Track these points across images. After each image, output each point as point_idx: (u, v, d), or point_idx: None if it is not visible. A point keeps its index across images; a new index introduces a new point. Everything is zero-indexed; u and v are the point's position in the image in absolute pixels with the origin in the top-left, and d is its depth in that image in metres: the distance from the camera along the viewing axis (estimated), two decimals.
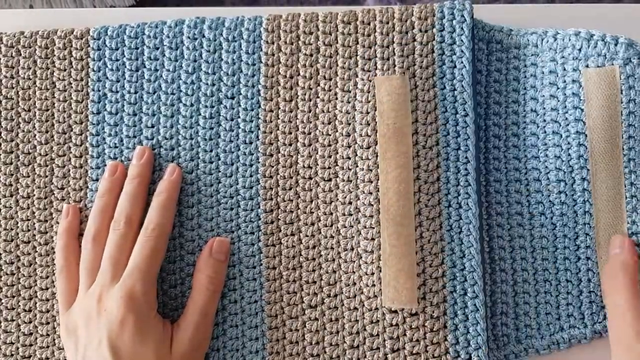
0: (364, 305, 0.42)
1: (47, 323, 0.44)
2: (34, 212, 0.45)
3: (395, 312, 0.42)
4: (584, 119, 0.42)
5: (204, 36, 0.44)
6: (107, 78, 0.45)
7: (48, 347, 0.44)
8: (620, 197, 0.43)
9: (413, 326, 0.41)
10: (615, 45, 0.41)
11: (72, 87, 0.45)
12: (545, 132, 0.44)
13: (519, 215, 0.44)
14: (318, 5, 0.45)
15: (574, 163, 0.43)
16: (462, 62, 0.42)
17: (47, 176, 0.45)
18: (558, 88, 0.43)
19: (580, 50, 0.42)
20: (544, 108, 0.44)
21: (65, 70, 0.45)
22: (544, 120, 0.44)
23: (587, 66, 0.42)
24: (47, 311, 0.45)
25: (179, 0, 1.10)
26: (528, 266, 0.44)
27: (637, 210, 0.43)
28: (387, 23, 0.43)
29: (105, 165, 0.45)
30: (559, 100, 0.43)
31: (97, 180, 0.45)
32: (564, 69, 0.43)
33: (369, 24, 0.43)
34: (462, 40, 0.42)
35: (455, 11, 0.43)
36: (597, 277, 0.43)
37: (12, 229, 0.45)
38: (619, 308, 0.39)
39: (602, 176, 0.42)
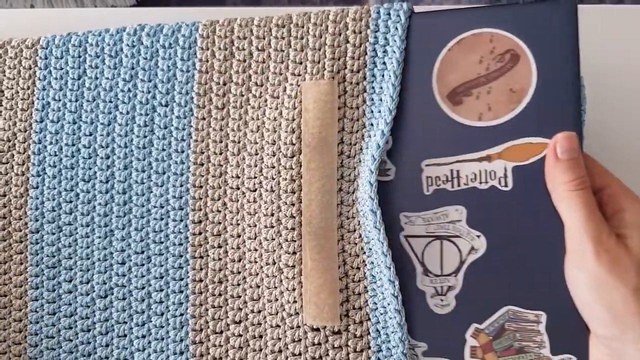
0: (285, 322, 0.43)
1: None
2: None
3: (318, 330, 0.42)
4: None
5: (142, 43, 0.47)
6: (51, 87, 0.48)
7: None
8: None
9: (335, 345, 0.41)
10: None
11: (19, 95, 0.49)
12: None
13: None
14: (319, 6, 0.46)
15: None
16: (392, 63, 0.42)
17: None
18: None
19: None
20: None
21: (14, 79, 0.49)
22: None
23: None
24: None
25: (183, 1, 1.14)
26: None
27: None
28: (321, 25, 0.44)
29: (46, 172, 0.47)
30: None
31: (37, 187, 0.48)
32: None
33: (302, 26, 0.44)
34: (395, 40, 0.42)
35: (391, 11, 0.43)
36: None
37: None
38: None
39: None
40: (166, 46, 0.47)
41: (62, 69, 0.48)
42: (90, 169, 0.47)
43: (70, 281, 0.47)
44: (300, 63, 0.44)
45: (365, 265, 0.42)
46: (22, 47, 0.49)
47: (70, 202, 0.47)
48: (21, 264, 0.48)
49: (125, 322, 0.46)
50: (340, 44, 0.44)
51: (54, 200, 0.48)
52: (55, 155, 0.48)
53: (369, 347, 0.41)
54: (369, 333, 0.41)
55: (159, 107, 0.47)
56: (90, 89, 0.48)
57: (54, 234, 0.47)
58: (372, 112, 0.43)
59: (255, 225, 0.44)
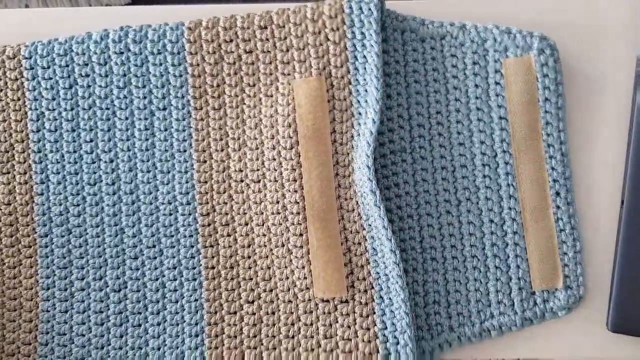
0: (297, 297, 0.50)
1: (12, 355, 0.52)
2: None
3: (327, 301, 0.50)
4: (505, 105, 0.50)
5: (129, 50, 0.52)
6: (42, 97, 0.52)
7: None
8: (543, 181, 0.50)
9: (344, 312, 0.49)
10: (531, 37, 0.50)
11: (10, 107, 0.53)
12: (470, 119, 0.52)
13: (447, 202, 0.51)
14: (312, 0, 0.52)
15: (497, 147, 0.51)
16: (371, 56, 0.49)
17: None
18: (482, 77, 0.51)
19: (500, 42, 0.51)
20: (468, 96, 0.52)
21: (1, 90, 0.53)
22: (469, 108, 0.52)
23: (507, 56, 0.50)
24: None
25: (173, 0, 1.15)
26: (457, 253, 0.51)
27: (560, 194, 0.50)
28: (300, 25, 0.51)
29: (49, 179, 0.52)
30: (482, 89, 0.51)
31: (42, 194, 0.53)
32: (486, 60, 0.51)
33: (283, 26, 0.51)
34: (370, 35, 0.49)
35: (362, 5, 0.50)
36: (525, 263, 0.50)
37: None
38: None
39: (524, 160, 0.51)
40: (155, 52, 0.52)
41: (50, 78, 0.53)
42: (94, 173, 0.52)
43: (82, 279, 0.52)
44: (288, 63, 0.51)
45: (366, 240, 0.49)
46: (3, 57, 0.53)
47: (78, 205, 0.52)
48: (31, 267, 0.53)
49: (140, 313, 0.52)
50: (322, 43, 0.50)
51: (60, 205, 0.52)
52: (58, 162, 0.53)
53: (374, 312, 0.49)
54: (373, 300, 0.49)
55: (157, 111, 0.52)
56: (85, 97, 0.52)
57: (63, 236, 0.52)
58: (359, 102, 0.50)
59: (262, 213, 0.51)
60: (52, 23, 0.54)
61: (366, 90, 0.50)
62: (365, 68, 0.50)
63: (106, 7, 0.57)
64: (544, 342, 0.51)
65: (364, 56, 0.50)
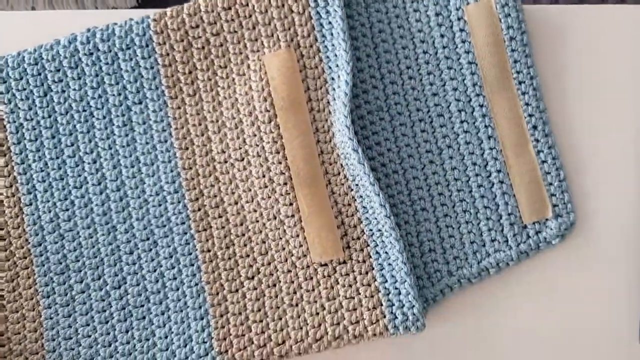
0: (296, 266, 0.50)
1: None
2: None
3: (326, 265, 0.50)
4: (472, 50, 0.52)
5: (98, 50, 0.53)
6: (19, 108, 0.53)
7: None
8: (519, 118, 0.52)
9: (343, 273, 0.50)
10: None
11: None
12: (440, 69, 0.53)
13: (429, 152, 0.52)
14: None
15: (470, 92, 0.53)
16: (336, 21, 0.51)
17: None
18: (446, 27, 0.53)
19: None
20: (435, 47, 0.53)
21: None
22: (438, 59, 0.53)
23: (467, 3, 0.52)
24: None
25: (180, 1, 1.17)
26: (446, 200, 0.52)
27: (537, 127, 0.51)
28: (264, 0, 0.51)
29: (36, 188, 0.52)
30: (449, 38, 0.53)
31: (30, 204, 0.53)
32: (448, 10, 0.53)
33: (247, 4, 0.52)
34: (333, 1, 0.50)
35: None
36: (513, 199, 0.52)
37: None
38: None
39: (498, 100, 0.52)
40: (124, 48, 0.53)
41: (24, 89, 0.53)
42: (79, 175, 0.53)
43: (81, 282, 0.53)
44: (256, 40, 0.52)
45: (355, 200, 0.50)
46: None
47: (67, 210, 0.53)
48: (29, 277, 0.53)
49: (143, 305, 0.52)
50: (287, 15, 0.52)
51: (50, 212, 0.53)
52: (42, 170, 0.53)
53: (373, 268, 0.50)
54: (370, 256, 0.50)
55: (134, 105, 0.53)
56: (61, 103, 0.53)
57: (56, 242, 0.53)
58: (330, 68, 0.51)
59: (250, 190, 0.52)
60: (58, 25, 0.54)
61: (336, 55, 0.51)
62: (332, 34, 0.51)
63: (112, 10, 0.58)
64: (540, 274, 0.52)
65: (329, 22, 0.51)
